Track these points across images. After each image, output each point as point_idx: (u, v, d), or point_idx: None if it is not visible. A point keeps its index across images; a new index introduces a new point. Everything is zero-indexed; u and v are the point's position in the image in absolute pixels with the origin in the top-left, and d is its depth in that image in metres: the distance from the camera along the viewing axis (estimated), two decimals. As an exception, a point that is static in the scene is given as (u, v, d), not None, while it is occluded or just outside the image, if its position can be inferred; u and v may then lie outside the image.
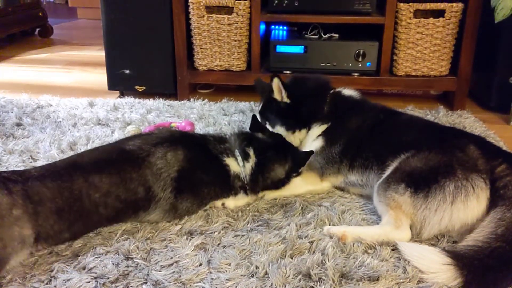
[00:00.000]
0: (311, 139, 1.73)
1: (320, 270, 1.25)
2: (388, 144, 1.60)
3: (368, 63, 2.59)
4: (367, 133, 1.66)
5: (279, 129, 1.75)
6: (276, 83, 1.68)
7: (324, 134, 1.70)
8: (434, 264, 1.23)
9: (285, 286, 1.20)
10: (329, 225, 1.48)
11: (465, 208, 1.35)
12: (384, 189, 1.45)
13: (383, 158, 1.56)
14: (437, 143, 1.52)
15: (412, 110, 2.53)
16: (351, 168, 1.64)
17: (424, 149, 1.48)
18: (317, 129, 1.73)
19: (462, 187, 1.36)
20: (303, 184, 1.67)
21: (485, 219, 1.33)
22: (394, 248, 1.36)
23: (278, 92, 1.71)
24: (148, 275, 1.24)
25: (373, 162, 1.59)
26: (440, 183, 1.37)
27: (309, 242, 1.38)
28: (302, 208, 1.57)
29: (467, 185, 1.36)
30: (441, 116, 2.45)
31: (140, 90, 2.76)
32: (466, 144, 1.48)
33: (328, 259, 1.29)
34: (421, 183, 1.39)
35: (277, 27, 2.83)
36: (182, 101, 2.66)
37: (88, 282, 1.21)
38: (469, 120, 2.40)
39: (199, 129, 2.24)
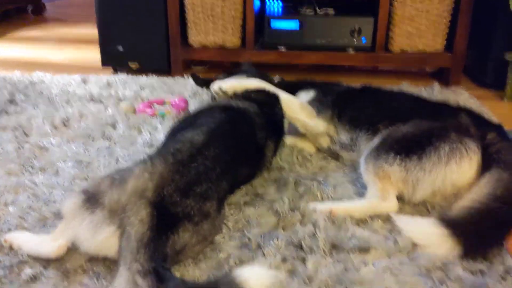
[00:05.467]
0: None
1: (311, 241, 1.27)
2: (377, 107, 1.67)
3: (363, 39, 2.58)
4: (357, 94, 1.80)
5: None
6: None
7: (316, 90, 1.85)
8: (432, 236, 1.23)
9: (275, 256, 1.22)
10: (321, 199, 1.49)
11: (459, 170, 1.37)
12: (374, 158, 1.46)
13: (373, 120, 1.61)
14: (428, 111, 1.55)
15: (407, 86, 2.52)
16: (340, 121, 1.70)
17: (415, 117, 1.51)
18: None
19: (456, 149, 1.38)
20: (299, 108, 1.76)
21: (481, 180, 1.35)
22: (386, 220, 1.37)
23: None
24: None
25: (363, 122, 1.63)
26: (435, 145, 1.39)
27: (301, 215, 1.39)
28: (295, 182, 1.58)
29: (461, 148, 1.38)
30: (436, 92, 2.45)
31: (133, 67, 2.74)
32: (457, 113, 1.52)
33: (320, 231, 1.30)
34: (414, 146, 1.41)
35: (272, 2, 2.80)
36: (176, 77, 2.65)
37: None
38: (463, 97, 2.40)
39: (193, 106, 2.23)
